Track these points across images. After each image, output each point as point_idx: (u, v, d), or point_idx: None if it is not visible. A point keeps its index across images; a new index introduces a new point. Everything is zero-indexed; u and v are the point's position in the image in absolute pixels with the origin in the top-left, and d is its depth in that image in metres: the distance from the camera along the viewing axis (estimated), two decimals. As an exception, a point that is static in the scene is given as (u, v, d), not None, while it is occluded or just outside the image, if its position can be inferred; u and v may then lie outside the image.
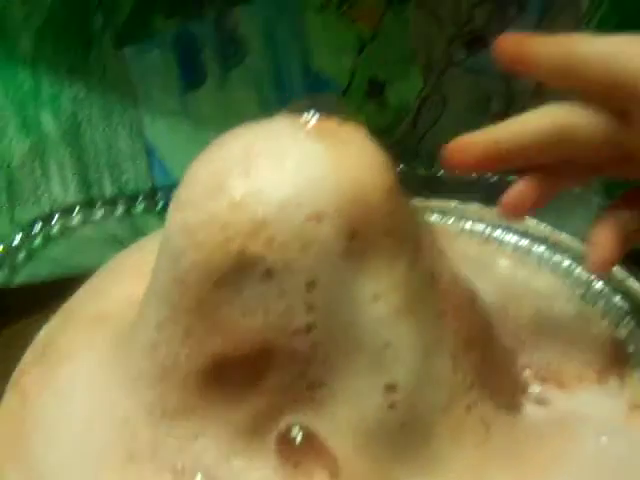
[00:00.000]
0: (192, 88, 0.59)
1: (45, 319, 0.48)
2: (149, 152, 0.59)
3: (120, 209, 0.57)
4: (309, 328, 0.37)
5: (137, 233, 0.59)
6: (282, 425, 0.39)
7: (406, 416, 0.39)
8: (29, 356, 0.46)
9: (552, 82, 0.40)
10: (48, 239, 0.55)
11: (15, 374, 0.45)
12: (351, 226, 0.37)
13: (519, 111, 0.60)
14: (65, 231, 0.56)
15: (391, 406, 0.38)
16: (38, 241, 0.55)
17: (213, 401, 0.39)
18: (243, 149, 0.38)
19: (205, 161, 0.39)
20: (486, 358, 0.42)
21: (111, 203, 0.57)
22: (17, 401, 0.43)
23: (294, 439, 0.39)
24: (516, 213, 0.41)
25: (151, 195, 0.58)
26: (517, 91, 0.59)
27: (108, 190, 0.59)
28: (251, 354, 0.38)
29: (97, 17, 0.55)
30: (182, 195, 0.39)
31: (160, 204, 0.58)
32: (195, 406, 0.39)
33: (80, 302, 0.49)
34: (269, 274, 0.37)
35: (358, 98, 0.60)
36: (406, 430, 0.39)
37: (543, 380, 0.45)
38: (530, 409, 0.44)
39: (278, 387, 0.38)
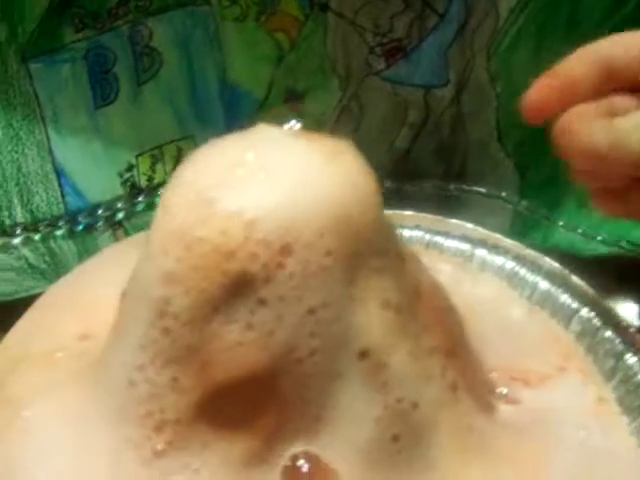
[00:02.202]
0: (103, 104, 0.56)
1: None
2: (59, 173, 0.56)
3: (37, 235, 0.54)
4: (312, 353, 0.36)
5: (52, 258, 0.55)
6: (286, 456, 0.37)
7: (403, 431, 0.38)
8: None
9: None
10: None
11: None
12: (350, 250, 0.36)
13: (436, 120, 0.61)
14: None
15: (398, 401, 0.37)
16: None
17: (208, 437, 0.37)
18: (235, 160, 0.36)
19: (189, 178, 0.36)
20: (466, 363, 0.42)
21: (27, 229, 0.53)
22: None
23: (300, 469, 0.37)
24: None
25: (68, 220, 0.55)
26: (434, 101, 0.60)
27: (19, 215, 0.55)
28: (251, 384, 0.36)
29: (1, 28, 0.51)
30: (159, 234, 0.36)
31: (79, 228, 0.55)
32: (189, 443, 0.37)
33: (22, 341, 0.45)
34: (266, 300, 0.35)
35: (276, 110, 0.59)
36: (403, 444, 0.38)
37: (510, 380, 0.45)
38: (503, 409, 0.44)
39: (281, 417, 0.36)
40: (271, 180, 0.35)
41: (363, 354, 0.36)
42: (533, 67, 0.57)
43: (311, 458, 0.37)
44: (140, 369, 0.37)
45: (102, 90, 0.55)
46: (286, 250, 0.34)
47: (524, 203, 0.61)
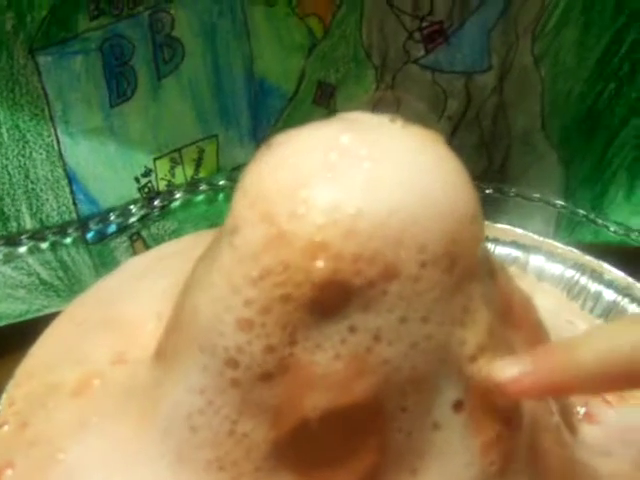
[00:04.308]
0: (119, 101, 0.50)
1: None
2: (71, 179, 0.50)
3: (45, 244, 0.49)
4: (412, 393, 0.30)
5: (66, 273, 0.50)
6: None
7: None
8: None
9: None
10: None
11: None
12: (462, 274, 0.31)
13: (476, 111, 0.57)
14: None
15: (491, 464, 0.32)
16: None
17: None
18: (328, 144, 0.30)
19: (264, 181, 0.30)
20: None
21: (34, 237, 0.48)
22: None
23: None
24: None
25: (78, 226, 0.50)
26: (475, 89, 0.56)
27: (28, 225, 0.50)
28: (342, 422, 0.31)
29: (7, 17, 0.46)
30: (225, 266, 0.30)
31: (90, 234, 0.50)
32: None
33: (46, 366, 0.39)
34: (357, 329, 0.30)
35: (306, 104, 0.54)
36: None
37: (587, 398, 0.41)
38: (587, 430, 0.40)
39: (377, 464, 0.31)
40: (374, 171, 0.29)
41: (460, 404, 0.31)
42: (581, 47, 0.53)
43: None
44: (201, 413, 0.32)
45: (118, 85, 0.50)
46: (391, 271, 0.29)
47: (564, 205, 0.57)
